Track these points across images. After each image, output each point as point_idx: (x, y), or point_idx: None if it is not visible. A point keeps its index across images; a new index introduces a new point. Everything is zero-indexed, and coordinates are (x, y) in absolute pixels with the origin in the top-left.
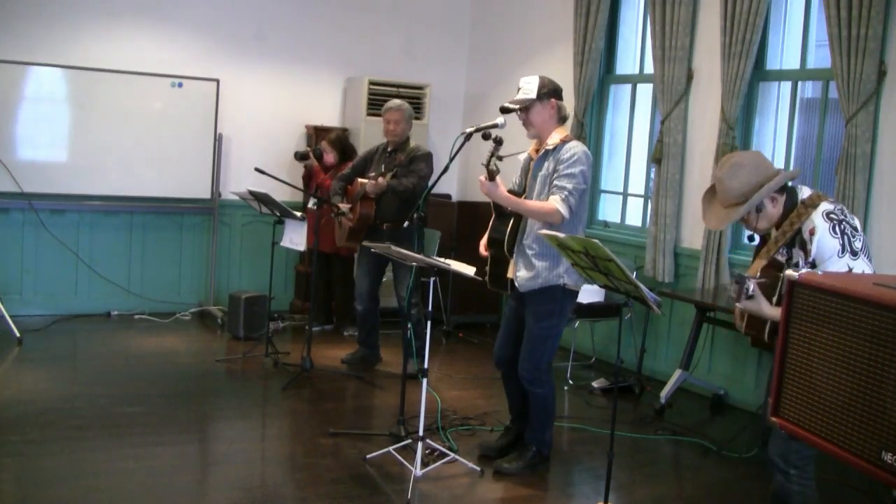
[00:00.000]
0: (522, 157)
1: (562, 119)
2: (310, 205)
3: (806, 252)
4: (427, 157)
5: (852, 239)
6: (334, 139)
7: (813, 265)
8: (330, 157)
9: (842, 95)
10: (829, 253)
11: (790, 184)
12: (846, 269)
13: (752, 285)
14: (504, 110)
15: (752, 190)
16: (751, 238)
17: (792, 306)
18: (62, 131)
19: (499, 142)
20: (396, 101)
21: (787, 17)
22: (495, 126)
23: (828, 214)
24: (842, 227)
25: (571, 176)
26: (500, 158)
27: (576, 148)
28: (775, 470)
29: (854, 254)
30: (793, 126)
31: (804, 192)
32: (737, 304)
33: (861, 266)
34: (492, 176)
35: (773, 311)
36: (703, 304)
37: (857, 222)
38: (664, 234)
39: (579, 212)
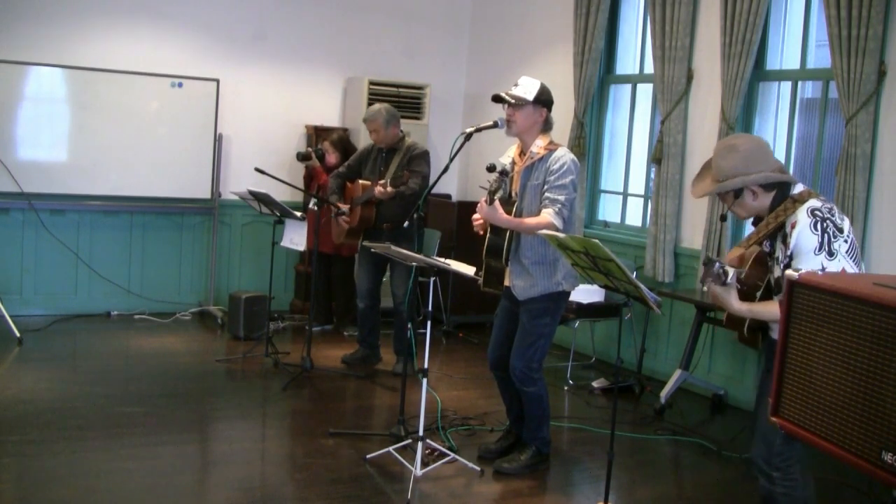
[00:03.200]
0: (506, 162)
1: (547, 128)
2: (310, 205)
3: (786, 245)
4: (425, 156)
5: (833, 239)
6: (336, 140)
7: (790, 259)
8: (332, 157)
9: (842, 95)
10: (806, 249)
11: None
12: (819, 266)
13: (732, 274)
14: (497, 99)
15: (734, 176)
16: (723, 217)
17: (792, 306)
18: (62, 131)
19: (504, 173)
20: (372, 110)
21: (787, 17)
22: (493, 126)
23: (812, 211)
24: (824, 225)
25: (563, 187)
26: (499, 187)
27: (564, 158)
28: (758, 473)
29: (831, 254)
30: (793, 126)
31: (797, 189)
32: (703, 286)
33: (837, 267)
34: (491, 200)
35: (739, 306)
36: (703, 304)
37: (845, 224)
38: (664, 234)
39: (571, 217)
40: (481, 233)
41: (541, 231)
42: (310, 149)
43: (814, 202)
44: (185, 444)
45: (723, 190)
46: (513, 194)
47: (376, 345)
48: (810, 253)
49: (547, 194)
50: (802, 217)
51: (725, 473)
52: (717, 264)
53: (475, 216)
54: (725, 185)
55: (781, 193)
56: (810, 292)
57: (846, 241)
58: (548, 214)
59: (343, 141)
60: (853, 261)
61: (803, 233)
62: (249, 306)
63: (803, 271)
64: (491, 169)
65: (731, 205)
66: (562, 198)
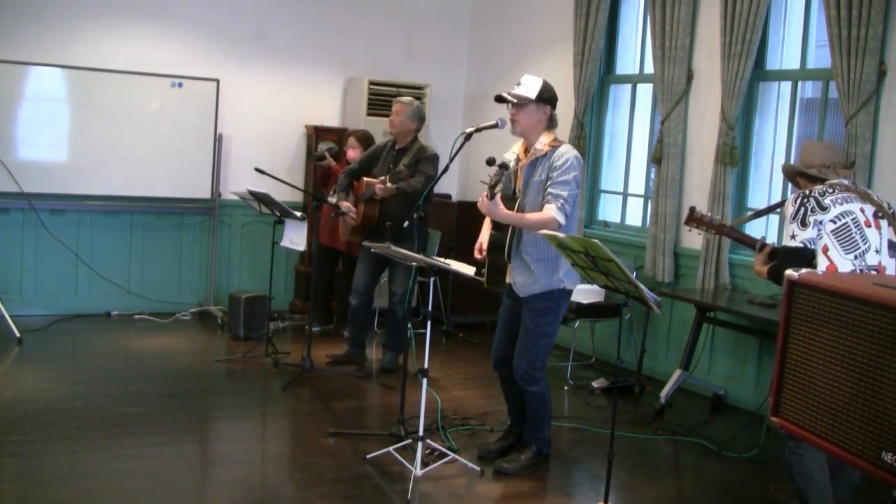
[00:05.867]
0: (511, 161)
1: (551, 126)
2: (331, 198)
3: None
4: (433, 159)
5: (809, 213)
6: (361, 136)
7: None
8: (356, 152)
9: (842, 95)
10: (786, 217)
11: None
12: (791, 233)
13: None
14: (499, 99)
15: (793, 164)
16: None
17: (792, 306)
18: (62, 131)
19: (503, 166)
20: (406, 98)
21: (787, 17)
22: (494, 126)
23: (804, 191)
24: (805, 200)
25: (565, 183)
26: (499, 181)
27: (568, 154)
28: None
29: (803, 224)
30: (793, 126)
31: (831, 182)
32: (688, 229)
33: (805, 236)
34: (493, 195)
35: (759, 268)
36: (703, 304)
37: (838, 207)
38: (664, 234)
39: (573, 214)
40: (479, 256)
41: (540, 232)
42: (323, 148)
43: (818, 186)
44: (185, 444)
45: (785, 172)
46: (516, 191)
47: (364, 345)
48: (787, 221)
49: (550, 190)
50: (792, 195)
51: (725, 473)
52: (699, 210)
53: (477, 248)
54: (785, 168)
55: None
56: (810, 292)
57: (833, 222)
58: (550, 210)
59: (367, 137)
60: (840, 243)
61: (787, 205)
62: (249, 306)
63: (804, 272)
64: (490, 162)
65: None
66: (565, 193)
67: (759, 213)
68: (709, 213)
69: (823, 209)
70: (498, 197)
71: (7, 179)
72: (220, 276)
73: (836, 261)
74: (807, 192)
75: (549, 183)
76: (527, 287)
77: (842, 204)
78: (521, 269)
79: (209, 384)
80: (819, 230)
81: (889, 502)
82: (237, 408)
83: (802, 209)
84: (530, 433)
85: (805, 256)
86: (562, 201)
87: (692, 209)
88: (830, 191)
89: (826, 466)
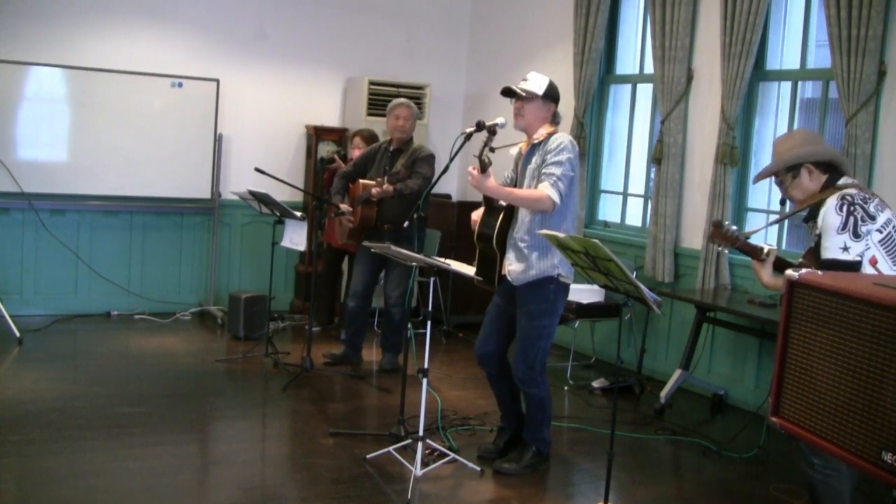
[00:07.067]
0: (514, 150)
1: (554, 122)
2: (341, 203)
3: (816, 226)
4: (430, 159)
5: (860, 222)
6: (367, 135)
7: (819, 238)
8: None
9: (842, 95)
10: (829, 227)
11: (846, 180)
12: (842, 245)
13: (771, 252)
14: (507, 91)
15: (792, 153)
16: (783, 201)
17: (792, 306)
18: (62, 131)
19: (492, 132)
20: (403, 100)
21: (787, 17)
22: (495, 126)
23: (843, 196)
24: (851, 208)
25: (559, 163)
26: (492, 150)
27: (562, 138)
28: (802, 458)
29: (856, 235)
30: (793, 126)
31: (846, 181)
32: (714, 245)
33: (860, 249)
34: (483, 168)
35: (767, 280)
36: (703, 304)
37: (882, 216)
38: (664, 234)
39: (569, 202)
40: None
41: (540, 231)
42: (331, 151)
43: (849, 190)
44: (185, 444)
45: (781, 165)
46: (518, 182)
47: (360, 346)
48: (833, 231)
49: (543, 171)
50: (831, 200)
51: (725, 473)
52: (727, 224)
53: (473, 214)
54: (783, 158)
55: (831, 180)
56: (810, 292)
57: (880, 231)
58: (543, 188)
59: (373, 137)
60: (888, 253)
61: (828, 213)
62: (249, 306)
63: (804, 272)
64: (480, 126)
65: (788, 185)
66: (558, 172)
67: (782, 218)
68: (734, 227)
69: (872, 218)
70: (489, 170)
71: (7, 179)
72: (220, 276)
73: (886, 273)
74: (848, 198)
75: (543, 166)
76: (521, 275)
77: (882, 211)
78: (516, 256)
79: (209, 384)
80: (867, 241)
81: (889, 502)
82: (237, 408)
83: (852, 218)
84: (530, 434)
85: (858, 270)
86: (555, 179)
87: (717, 224)
88: (869, 197)
89: (848, 485)
